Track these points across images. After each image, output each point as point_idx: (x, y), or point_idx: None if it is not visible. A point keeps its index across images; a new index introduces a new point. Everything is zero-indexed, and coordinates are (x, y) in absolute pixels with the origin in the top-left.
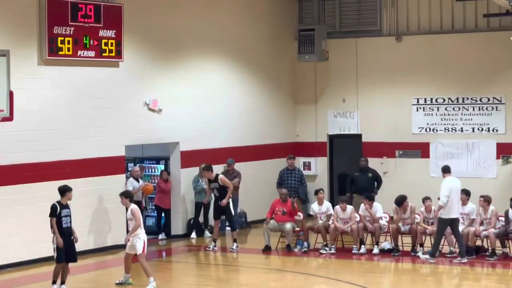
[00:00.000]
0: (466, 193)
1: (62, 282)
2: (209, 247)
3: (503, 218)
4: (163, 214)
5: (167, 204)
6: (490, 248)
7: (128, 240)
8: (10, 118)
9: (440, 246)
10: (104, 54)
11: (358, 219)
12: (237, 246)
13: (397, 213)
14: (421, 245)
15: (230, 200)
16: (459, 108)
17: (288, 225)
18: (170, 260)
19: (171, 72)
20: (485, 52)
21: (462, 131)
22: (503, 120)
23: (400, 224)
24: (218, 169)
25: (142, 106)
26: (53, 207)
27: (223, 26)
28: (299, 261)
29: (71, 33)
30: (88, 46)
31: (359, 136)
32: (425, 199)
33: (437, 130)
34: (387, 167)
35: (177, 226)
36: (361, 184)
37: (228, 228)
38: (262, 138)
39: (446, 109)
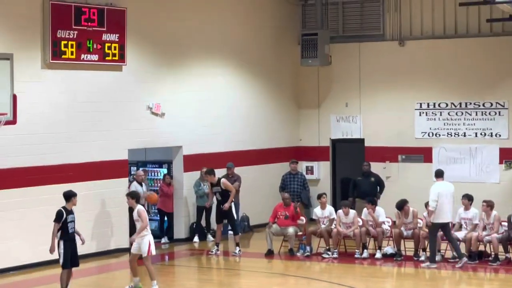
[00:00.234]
0: (468, 198)
1: (65, 286)
2: (212, 251)
3: (506, 223)
4: (165, 218)
5: (170, 208)
6: (492, 253)
7: (134, 241)
8: (13, 121)
9: (443, 251)
10: (107, 58)
11: (360, 223)
12: (239, 250)
13: (399, 217)
14: (424, 249)
15: (233, 204)
16: (462, 113)
17: (291, 229)
18: (173, 264)
19: (174, 76)
20: (488, 57)
21: (465, 136)
22: (506, 125)
23: (402, 228)
24: (220, 173)
25: (145, 109)
26: (59, 213)
27: (226, 30)
28: (302, 265)
29: (75, 37)
30: (91, 50)
31: (361, 141)
32: (428, 204)
33: (440, 135)
34: (389, 172)
35: (180, 230)
36: (363, 188)
37: (230, 232)
38: (265, 142)
39: (449, 113)
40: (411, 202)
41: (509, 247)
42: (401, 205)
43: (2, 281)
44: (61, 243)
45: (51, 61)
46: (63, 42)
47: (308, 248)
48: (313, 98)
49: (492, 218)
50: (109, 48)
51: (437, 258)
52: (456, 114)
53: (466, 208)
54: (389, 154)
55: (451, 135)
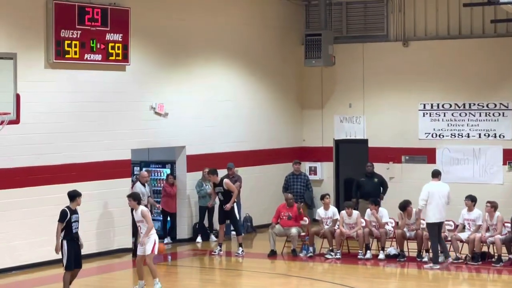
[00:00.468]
0: (471, 199)
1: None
2: (215, 252)
3: (509, 224)
4: (168, 218)
5: (173, 208)
6: (496, 254)
7: (144, 244)
8: (16, 121)
9: None
10: (111, 58)
11: (364, 224)
12: (242, 251)
13: (402, 218)
14: (427, 250)
15: (235, 204)
16: (466, 114)
17: (294, 230)
18: (176, 264)
19: (178, 76)
20: (492, 58)
21: (468, 136)
22: (510, 126)
23: (405, 229)
24: (223, 173)
25: (148, 110)
26: (63, 213)
27: (230, 31)
28: (305, 266)
29: (78, 36)
30: (95, 49)
31: (365, 141)
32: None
33: (443, 136)
34: (393, 173)
35: (183, 230)
36: (367, 189)
37: (233, 233)
38: (268, 142)
39: (452, 114)
40: (414, 203)
41: None
42: (404, 206)
43: (4, 280)
44: (65, 243)
45: (54, 61)
46: (66, 42)
47: (311, 248)
48: (316, 98)
49: (495, 219)
50: (113, 48)
51: (440, 259)
52: (460, 115)
53: (470, 209)
54: (393, 154)
55: (455, 136)
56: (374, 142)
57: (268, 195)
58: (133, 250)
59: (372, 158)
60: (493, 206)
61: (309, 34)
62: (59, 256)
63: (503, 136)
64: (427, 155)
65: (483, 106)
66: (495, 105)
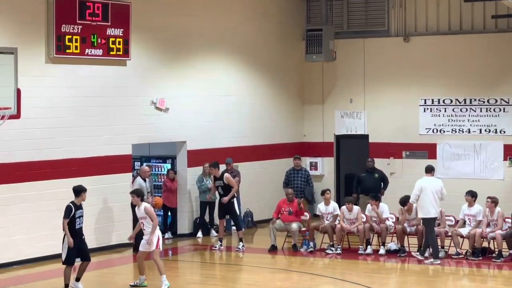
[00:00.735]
0: (472, 195)
1: (78, 279)
2: (215, 247)
3: (509, 220)
4: (169, 213)
5: (174, 203)
6: (496, 249)
7: (152, 241)
8: (17, 115)
9: (446, 247)
10: (111, 53)
11: (364, 219)
12: (243, 246)
13: (402, 213)
14: (428, 246)
15: (235, 199)
16: (467, 109)
17: (294, 225)
18: (176, 259)
19: (179, 71)
20: (493, 53)
21: (469, 132)
22: (511, 122)
23: (406, 225)
24: (222, 168)
25: (149, 105)
26: (68, 209)
27: (231, 26)
28: (305, 261)
29: (79, 31)
30: (95, 44)
31: (366, 137)
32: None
33: (444, 131)
34: (394, 168)
35: (183, 225)
36: (367, 184)
37: (234, 228)
38: (269, 138)
39: (453, 110)
40: None
41: None
42: (405, 201)
43: (4, 275)
44: (66, 238)
45: (55, 56)
46: (67, 37)
47: (311, 243)
48: (317, 93)
49: (496, 215)
50: (114, 42)
51: (441, 254)
52: (461, 110)
53: (470, 204)
54: (393, 150)
55: (456, 132)
56: (374, 137)
57: (268, 190)
58: (134, 245)
59: (372, 153)
60: (493, 201)
61: (310, 29)
62: (61, 251)
63: (504, 132)
64: (428, 150)
65: (484, 102)
66: (496, 101)
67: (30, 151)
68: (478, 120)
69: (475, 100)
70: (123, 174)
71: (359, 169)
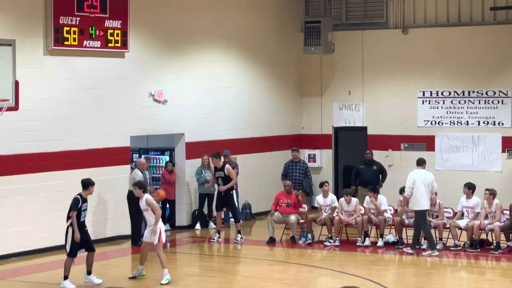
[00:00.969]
0: (469, 187)
1: (89, 272)
2: (214, 239)
3: (507, 212)
4: (167, 205)
5: (172, 195)
6: (494, 241)
7: (156, 232)
8: (15, 107)
9: (444, 239)
10: (109, 45)
11: (362, 211)
12: (241, 238)
13: (400, 205)
14: (425, 238)
15: (234, 192)
16: (465, 101)
17: (293, 217)
18: (175, 251)
19: (177, 63)
20: (491, 45)
21: (467, 124)
22: (509, 114)
23: (404, 216)
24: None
25: (147, 97)
26: (76, 201)
27: (229, 18)
28: (304, 253)
29: (77, 23)
30: (93, 36)
31: (364, 129)
32: (402, 191)
33: (442, 123)
34: (392, 160)
35: (182, 217)
36: (366, 176)
37: (232, 220)
38: (267, 130)
39: (451, 102)
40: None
41: (510, 235)
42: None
43: (3, 267)
44: (70, 230)
45: (53, 48)
46: (65, 29)
47: (309, 235)
48: (315, 86)
49: (494, 207)
50: (112, 34)
51: (439, 246)
52: (459, 102)
53: (468, 196)
54: (392, 142)
55: (454, 124)
56: (373, 129)
57: (267, 182)
58: (132, 237)
59: (371, 145)
60: (491, 193)
61: (308, 21)
62: (58, 243)
63: (502, 124)
64: (426, 142)
65: (482, 94)
66: (494, 93)
67: (28, 143)
68: (477, 112)
69: (473, 92)
70: (122, 166)
71: (358, 161)
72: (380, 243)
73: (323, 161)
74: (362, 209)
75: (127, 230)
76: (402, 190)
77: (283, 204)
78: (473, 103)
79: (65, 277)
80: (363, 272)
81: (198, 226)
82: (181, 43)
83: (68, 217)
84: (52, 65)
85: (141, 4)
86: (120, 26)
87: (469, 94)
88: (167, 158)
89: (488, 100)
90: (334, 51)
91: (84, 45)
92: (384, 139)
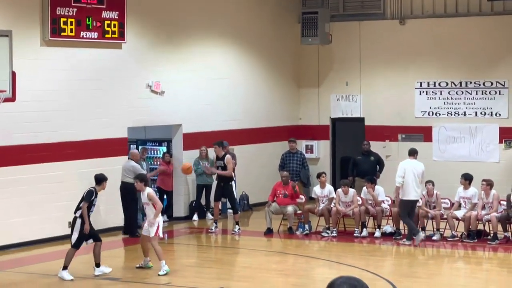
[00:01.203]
0: (465, 178)
1: (98, 265)
2: (211, 229)
3: (505, 202)
4: (165, 196)
5: (169, 186)
6: (491, 232)
7: (153, 224)
8: (12, 99)
9: (442, 230)
10: (107, 36)
11: (360, 202)
12: (239, 229)
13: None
14: (423, 228)
15: (233, 183)
16: (462, 92)
17: (290, 208)
18: (172, 242)
19: (174, 54)
20: (489, 36)
21: (465, 115)
22: (506, 104)
23: None
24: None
25: (144, 88)
26: (91, 193)
27: (226, 9)
28: (301, 243)
29: (74, 14)
30: (90, 27)
31: (361, 120)
32: (427, 183)
33: (440, 114)
34: (389, 151)
35: (179, 208)
36: (363, 167)
37: (230, 211)
38: (265, 121)
39: (449, 93)
40: None
41: (508, 226)
42: None
43: (2, 258)
44: (79, 221)
45: (50, 39)
46: (62, 20)
47: (307, 226)
48: (313, 76)
49: (491, 197)
50: (109, 25)
51: (436, 237)
52: (456, 93)
53: (465, 187)
54: (389, 133)
55: (451, 114)
56: (370, 120)
57: (264, 173)
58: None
59: (368, 136)
60: (488, 184)
61: (305, 12)
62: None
63: (499, 115)
64: (424, 133)
65: (479, 85)
66: (492, 84)
67: (25, 134)
68: (474, 103)
69: (470, 83)
70: (119, 157)
71: (355, 152)
72: (377, 233)
73: (320, 152)
74: (360, 200)
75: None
76: None
77: (280, 195)
78: (471, 94)
79: (65, 267)
80: (361, 262)
81: (195, 217)
82: (179, 34)
83: (78, 208)
84: (49, 56)
85: None
86: (117, 17)
87: (466, 85)
88: (164, 149)
89: (486, 91)
90: (332, 42)
91: (81, 36)
92: (381, 130)
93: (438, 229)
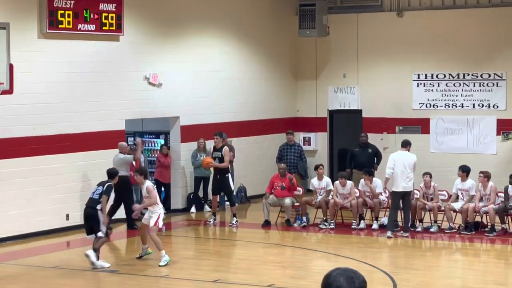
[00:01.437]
0: (462, 170)
1: (95, 251)
2: (209, 221)
3: (502, 194)
4: (163, 189)
5: (167, 179)
6: (489, 224)
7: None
8: (10, 91)
9: (439, 222)
10: (104, 28)
11: (357, 194)
12: (236, 221)
13: None
14: (421, 220)
15: (230, 176)
16: (460, 84)
17: (287, 200)
18: (170, 234)
19: (172, 47)
20: (486, 28)
21: (462, 107)
22: (504, 96)
23: None
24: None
25: (142, 80)
26: (110, 187)
27: (224, 1)
28: (299, 236)
29: (71, 6)
30: (88, 19)
31: (359, 112)
32: (424, 175)
33: (437, 106)
34: (387, 143)
35: (177, 200)
36: (361, 159)
37: (227, 203)
38: (262, 113)
39: (446, 85)
40: None
41: (505, 218)
42: None
43: (0, 250)
44: (100, 213)
45: (48, 31)
46: (59, 12)
47: (304, 218)
48: (310, 69)
49: (488, 189)
50: (106, 18)
51: (433, 229)
52: (454, 85)
53: (463, 179)
54: (387, 125)
55: (449, 106)
56: (368, 112)
57: (262, 165)
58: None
59: (366, 128)
60: (486, 176)
61: (303, 4)
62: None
63: (497, 107)
64: (421, 125)
65: (477, 77)
66: (489, 75)
67: (23, 126)
68: (471, 95)
69: (468, 75)
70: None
71: (353, 144)
72: (375, 225)
73: (318, 144)
74: (357, 192)
75: (122, 213)
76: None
77: (277, 187)
78: (468, 86)
79: (98, 257)
80: (358, 254)
81: (193, 209)
82: (176, 26)
83: (97, 202)
84: (47, 48)
85: None
86: (114, 10)
87: (464, 77)
88: (162, 141)
89: (483, 83)
90: (329, 34)
91: (78, 29)
92: (379, 122)
93: (435, 221)
